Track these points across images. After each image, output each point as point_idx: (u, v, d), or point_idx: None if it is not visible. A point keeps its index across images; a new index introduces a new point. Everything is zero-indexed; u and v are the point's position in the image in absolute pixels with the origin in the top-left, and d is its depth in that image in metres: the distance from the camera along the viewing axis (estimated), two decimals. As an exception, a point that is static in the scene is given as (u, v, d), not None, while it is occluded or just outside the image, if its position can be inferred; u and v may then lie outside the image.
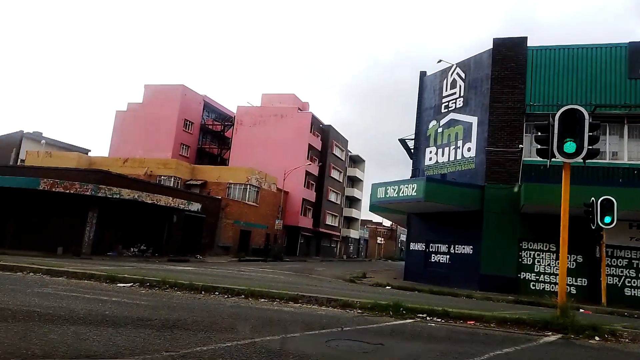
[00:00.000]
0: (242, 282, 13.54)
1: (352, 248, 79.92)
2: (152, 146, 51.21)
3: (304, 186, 54.76)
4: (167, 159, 46.76)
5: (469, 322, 8.51)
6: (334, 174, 64.06)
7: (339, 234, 69.14)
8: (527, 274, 20.17)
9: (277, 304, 9.05)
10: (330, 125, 61.71)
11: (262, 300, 9.28)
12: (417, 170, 25.26)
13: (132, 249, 27.20)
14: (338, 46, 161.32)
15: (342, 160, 66.84)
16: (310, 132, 55.98)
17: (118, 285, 10.18)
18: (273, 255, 40.28)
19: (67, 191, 23.48)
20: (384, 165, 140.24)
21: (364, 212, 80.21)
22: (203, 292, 9.73)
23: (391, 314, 8.55)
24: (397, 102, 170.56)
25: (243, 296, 9.47)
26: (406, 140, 27.79)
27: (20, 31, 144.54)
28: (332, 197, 64.12)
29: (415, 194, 20.19)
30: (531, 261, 20.26)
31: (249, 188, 43.67)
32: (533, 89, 21.44)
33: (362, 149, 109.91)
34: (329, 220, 63.63)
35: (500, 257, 20.36)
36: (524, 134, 21.25)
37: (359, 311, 8.75)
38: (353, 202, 75.03)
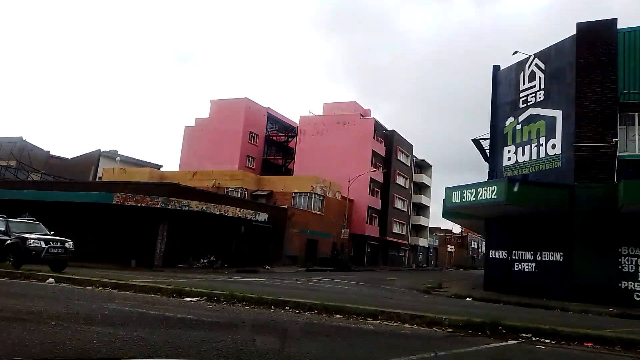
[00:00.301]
0: (313, 294, 12.72)
1: (421, 257, 77.28)
2: (220, 159, 52.24)
3: (369, 194, 53.54)
4: (233, 170, 47.44)
5: (585, 344, 7.09)
6: (400, 181, 62.28)
7: (406, 242, 67.03)
8: (630, 283, 17.79)
9: (354, 320, 8.08)
10: (393, 130, 60.16)
11: (337, 316, 8.35)
12: (495, 171, 23.40)
13: (202, 261, 27.34)
14: (396, 50, 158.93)
15: (407, 165, 64.94)
16: (374, 138, 54.82)
17: (185, 299, 9.67)
18: (341, 265, 39.36)
19: (139, 204, 23.93)
20: (450, 170, 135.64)
21: (433, 219, 77.51)
22: (273, 306, 8.96)
23: (488, 333, 7.30)
24: (460, 103, 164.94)
25: (316, 311, 8.59)
26: (480, 140, 25.97)
27: (94, 59, 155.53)
28: (399, 204, 62.30)
29: (495, 196, 18.51)
30: (633, 268, 17.87)
31: (314, 197, 43.18)
32: (626, 75, 19.13)
33: (427, 154, 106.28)
34: (396, 229, 61.81)
35: (596, 264, 18.15)
36: (618, 126, 18.98)
37: (449, 330, 7.58)
38: (420, 209, 72.63)
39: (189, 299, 9.66)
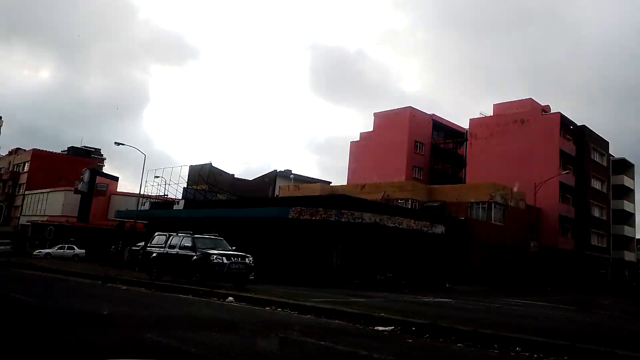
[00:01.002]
0: (526, 322, 9.90)
1: (627, 273, 64.79)
2: (386, 171, 50.78)
3: (560, 200, 46.45)
4: (402, 181, 45.47)
5: None
6: (595, 184, 53.15)
7: (608, 256, 56.67)
8: None
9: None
10: (584, 126, 51.76)
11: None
12: None
13: (378, 277, 25.74)
14: (570, 44, 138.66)
15: (603, 166, 55.27)
16: (560, 135, 47.69)
17: (376, 328, 7.83)
18: (532, 284, 34.20)
19: (313, 218, 23.42)
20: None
21: (638, 229, 64.62)
22: (496, 345, 6.56)
23: None
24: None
25: (566, 357, 5.94)
26: None
27: (267, 89, 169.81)
28: (596, 212, 53.08)
29: None
30: None
31: (494, 206, 38.62)
32: None
33: (623, 153, 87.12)
34: (594, 241, 52.62)
35: None
36: None
37: None
38: (623, 217, 61.06)
39: (380, 328, 7.79)
